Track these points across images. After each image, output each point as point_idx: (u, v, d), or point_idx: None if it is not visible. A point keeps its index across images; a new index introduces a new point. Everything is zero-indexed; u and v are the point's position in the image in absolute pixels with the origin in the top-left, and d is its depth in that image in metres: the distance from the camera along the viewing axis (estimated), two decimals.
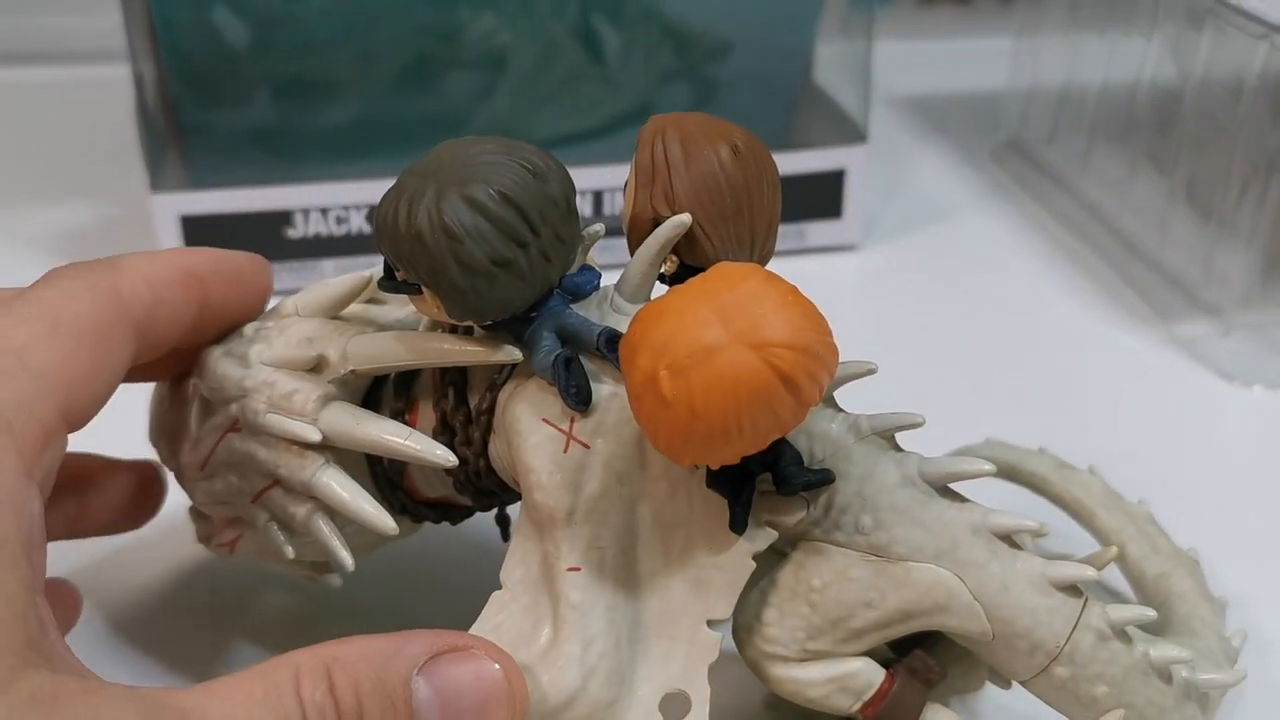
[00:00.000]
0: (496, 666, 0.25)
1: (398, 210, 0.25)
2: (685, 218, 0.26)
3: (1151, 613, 0.28)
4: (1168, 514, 0.36)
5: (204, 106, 0.49)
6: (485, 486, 0.29)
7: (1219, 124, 0.47)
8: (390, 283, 0.27)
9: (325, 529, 0.29)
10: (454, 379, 0.29)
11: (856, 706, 0.28)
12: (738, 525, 0.26)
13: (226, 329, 0.31)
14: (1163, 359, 0.47)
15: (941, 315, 0.50)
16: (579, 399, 0.26)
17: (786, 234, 0.52)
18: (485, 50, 0.50)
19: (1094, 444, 0.39)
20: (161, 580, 0.36)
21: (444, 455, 0.27)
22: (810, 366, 0.23)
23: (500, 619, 0.27)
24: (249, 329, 0.30)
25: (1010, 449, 0.36)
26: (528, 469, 0.26)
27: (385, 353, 0.28)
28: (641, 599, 0.27)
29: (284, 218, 0.48)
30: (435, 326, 0.28)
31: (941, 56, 0.75)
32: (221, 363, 0.29)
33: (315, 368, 0.29)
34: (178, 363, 0.31)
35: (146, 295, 0.28)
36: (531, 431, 0.27)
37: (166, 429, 0.32)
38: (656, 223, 0.27)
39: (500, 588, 0.27)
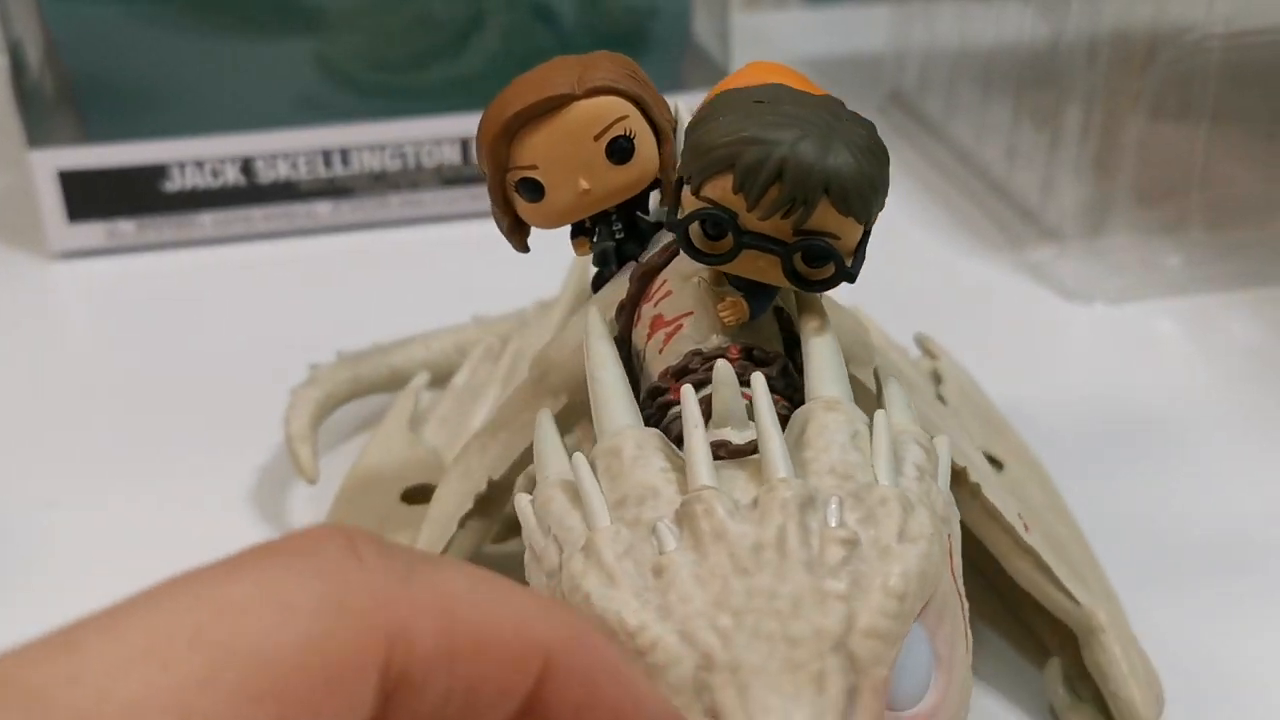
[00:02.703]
0: None
1: (849, 162, 0.22)
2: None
3: None
4: (1021, 418, 0.38)
5: (87, 67, 0.50)
6: None
7: (1054, 70, 0.49)
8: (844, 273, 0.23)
9: None
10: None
11: None
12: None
13: None
14: (1013, 282, 0.49)
15: None
16: None
17: None
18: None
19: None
20: None
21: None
22: None
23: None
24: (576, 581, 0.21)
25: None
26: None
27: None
28: None
29: (160, 171, 0.50)
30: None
31: (841, 22, 0.77)
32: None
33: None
34: None
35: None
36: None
37: None
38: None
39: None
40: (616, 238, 0.27)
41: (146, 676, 0.14)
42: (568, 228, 0.28)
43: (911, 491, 0.22)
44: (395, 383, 0.38)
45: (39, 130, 0.49)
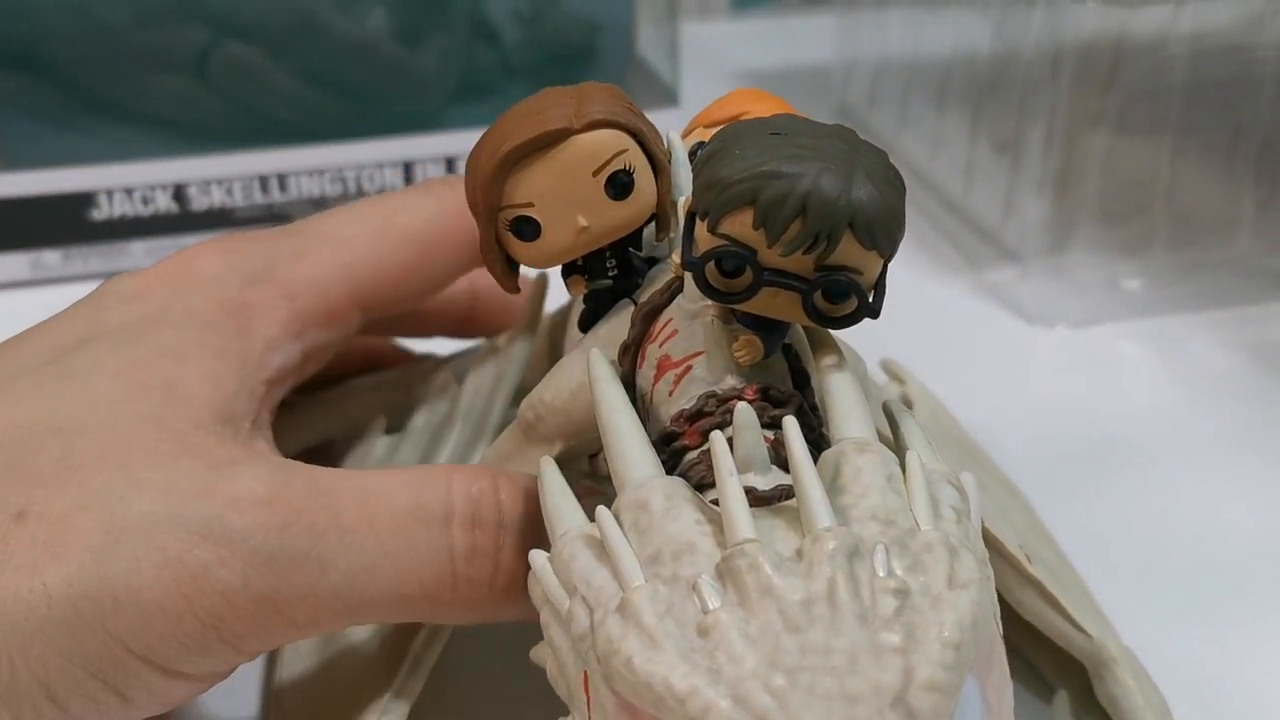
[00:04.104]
0: None
1: (873, 194, 0.21)
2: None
3: None
4: (985, 444, 0.37)
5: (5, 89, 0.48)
6: None
7: (1013, 84, 0.48)
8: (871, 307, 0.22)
9: None
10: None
11: None
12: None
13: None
14: (973, 304, 0.48)
15: None
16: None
17: None
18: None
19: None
20: None
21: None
22: None
23: None
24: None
25: None
26: None
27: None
28: None
29: (87, 199, 0.48)
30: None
31: (786, 32, 0.76)
32: None
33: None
34: None
35: (451, 219, 0.30)
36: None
37: None
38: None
39: None
40: (611, 275, 0.26)
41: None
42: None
43: (953, 535, 0.21)
44: (346, 426, 0.36)
45: None
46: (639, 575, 0.20)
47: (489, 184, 0.24)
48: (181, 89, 0.48)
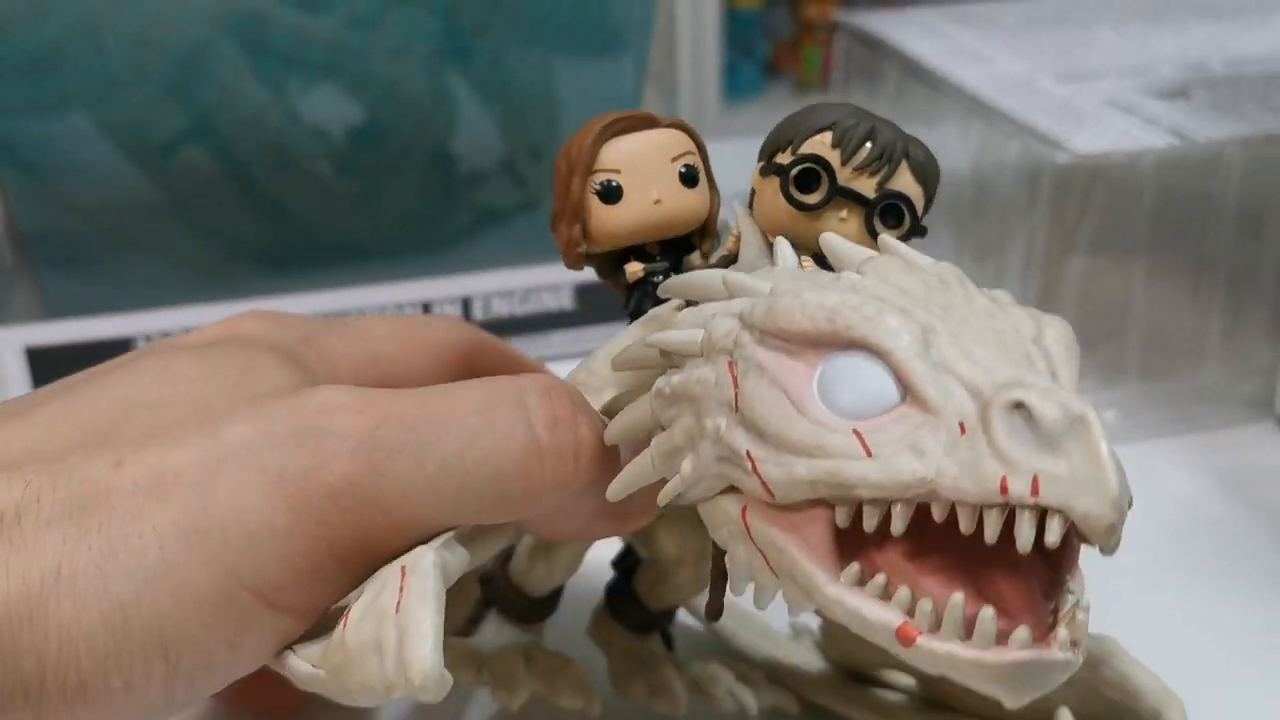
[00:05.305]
0: None
1: (921, 145, 0.27)
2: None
3: None
4: None
5: (49, 242, 0.51)
6: None
7: (994, 206, 0.51)
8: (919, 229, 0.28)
9: None
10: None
11: None
12: None
13: None
14: None
15: None
16: None
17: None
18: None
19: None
20: None
21: None
22: None
23: None
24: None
25: None
26: None
27: None
28: None
29: (126, 345, 0.51)
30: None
31: None
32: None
33: None
34: None
35: (467, 343, 0.35)
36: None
37: None
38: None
39: None
40: (658, 263, 0.30)
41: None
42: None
43: None
44: None
45: (3, 308, 0.50)
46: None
47: (589, 148, 0.29)
48: (142, 188, 0.51)
